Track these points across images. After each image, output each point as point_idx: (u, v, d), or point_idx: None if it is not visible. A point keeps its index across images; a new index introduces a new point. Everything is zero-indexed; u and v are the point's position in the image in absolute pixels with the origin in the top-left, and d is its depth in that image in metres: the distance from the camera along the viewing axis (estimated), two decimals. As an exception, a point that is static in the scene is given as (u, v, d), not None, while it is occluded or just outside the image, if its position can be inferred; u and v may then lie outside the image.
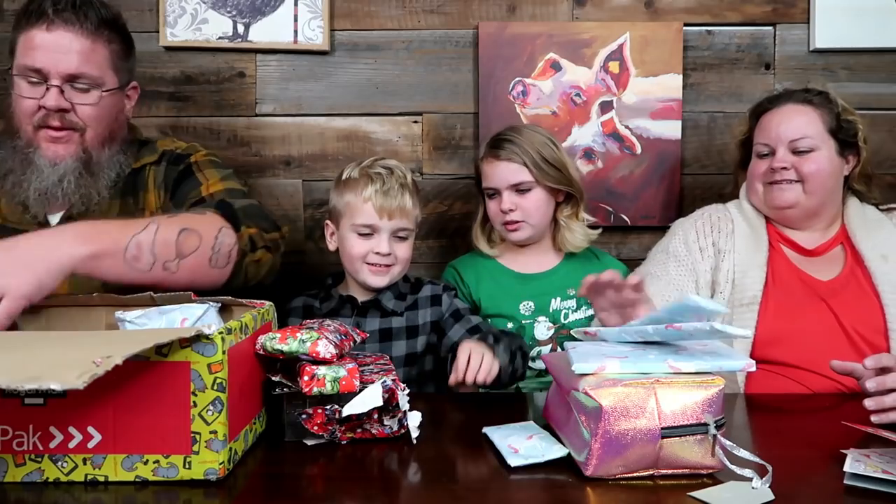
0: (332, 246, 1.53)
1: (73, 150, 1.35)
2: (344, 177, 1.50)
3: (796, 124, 1.50)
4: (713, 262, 1.52)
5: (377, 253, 1.44)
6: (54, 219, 1.41)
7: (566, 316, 1.65)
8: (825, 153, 1.50)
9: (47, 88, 1.32)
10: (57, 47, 1.31)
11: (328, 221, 1.54)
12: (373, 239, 1.45)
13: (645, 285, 1.42)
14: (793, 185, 1.50)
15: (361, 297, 1.50)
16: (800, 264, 1.50)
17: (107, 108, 1.38)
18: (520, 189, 1.63)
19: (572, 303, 1.66)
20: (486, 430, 1.06)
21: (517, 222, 1.64)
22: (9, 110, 1.38)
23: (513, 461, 0.94)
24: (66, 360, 0.75)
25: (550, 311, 1.65)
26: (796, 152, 1.50)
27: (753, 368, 0.94)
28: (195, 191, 1.41)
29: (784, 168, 1.49)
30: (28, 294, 1.01)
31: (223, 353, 0.87)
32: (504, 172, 1.63)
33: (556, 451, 0.95)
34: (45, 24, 1.30)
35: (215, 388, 0.87)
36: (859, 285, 1.45)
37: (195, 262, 1.18)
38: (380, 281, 1.46)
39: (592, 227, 1.73)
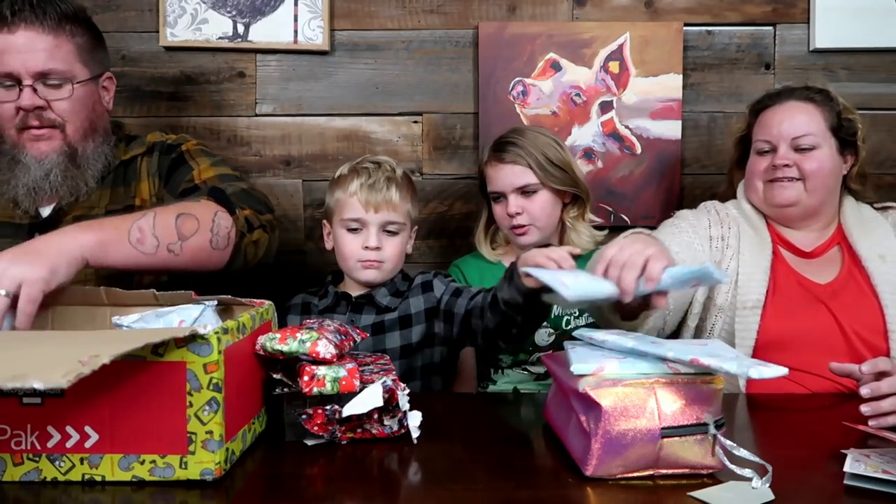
0: (328, 245, 1.53)
1: (57, 146, 1.38)
2: (336, 175, 1.51)
3: (799, 121, 1.49)
4: (720, 255, 1.50)
5: (366, 247, 1.43)
6: (45, 211, 1.42)
7: (567, 323, 1.64)
8: (826, 151, 1.49)
9: (21, 90, 1.33)
10: (22, 48, 1.32)
11: (324, 221, 1.54)
12: (362, 234, 1.45)
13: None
14: (794, 183, 1.49)
15: (356, 292, 1.50)
16: (798, 267, 1.49)
17: (81, 100, 1.40)
18: (525, 192, 1.61)
19: (574, 309, 1.65)
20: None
21: (525, 226, 1.62)
22: None
23: (566, 293, 0.95)
24: (53, 358, 0.75)
25: (552, 317, 1.64)
26: (798, 150, 1.49)
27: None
28: (188, 176, 1.43)
29: (786, 165, 1.48)
30: (43, 277, 1.03)
31: (219, 352, 0.87)
32: (509, 176, 1.62)
33: (607, 287, 0.97)
34: (5, 27, 1.32)
35: (211, 388, 0.87)
36: (858, 286, 1.44)
37: (197, 244, 1.23)
38: (371, 275, 1.45)
39: (598, 228, 1.72)
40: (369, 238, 1.44)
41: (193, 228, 1.22)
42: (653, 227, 1.61)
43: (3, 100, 1.35)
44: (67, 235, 1.11)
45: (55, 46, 1.35)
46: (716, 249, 1.51)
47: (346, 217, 1.45)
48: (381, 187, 1.44)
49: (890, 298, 1.41)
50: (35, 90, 1.34)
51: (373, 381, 1.02)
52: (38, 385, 0.67)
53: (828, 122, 1.50)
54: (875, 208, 1.57)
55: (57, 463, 0.87)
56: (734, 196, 1.63)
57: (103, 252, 1.13)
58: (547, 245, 1.13)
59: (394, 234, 1.46)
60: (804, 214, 1.52)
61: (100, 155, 1.44)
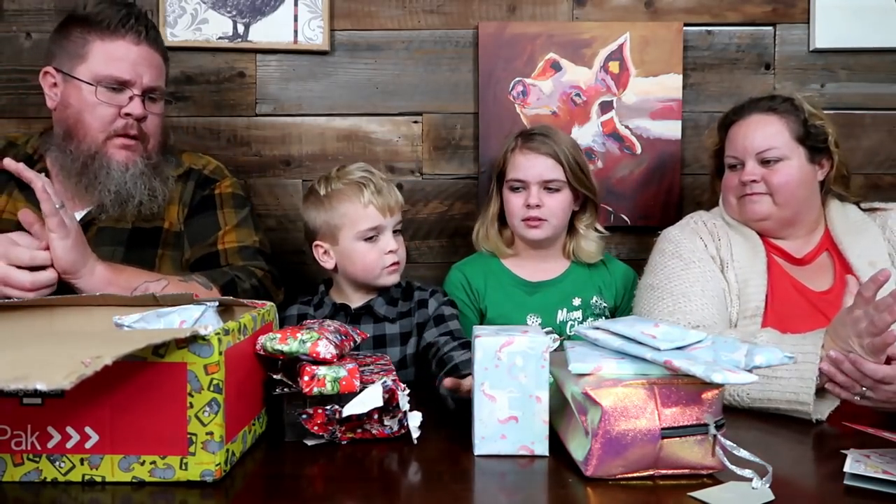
0: (329, 264, 1.50)
1: (138, 156, 1.44)
2: (323, 193, 1.48)
3: (762, 135, 1.48)
4: (721, 273, 1.49)
5: (390, 252, 1.46)
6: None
7: (571, 328, 1.63)
8: (795, 162, 1.48)
9: (130, 98, 1.40)
10: (142, 60, 1.42)
11: (318, 243, 1.50)
12: (379, 241, 1.46)
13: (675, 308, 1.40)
14: (763, 198, 1.48)
15: (355, 303, 1.50)
16: (793, 273, 1.48)
17: (163, 119, 1.51)
18: (549, 187, 1.61)
19: (578, 314, 1.64)
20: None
21: (540, 220, 1.61)
22: (67, 113, 1.42)
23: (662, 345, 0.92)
24: (55, 359, 0.75)
25: (557, 322, 1.63)
26: (765, 163, 1.48)
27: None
28: (212, 237, 1.48)
29: (753, 181, 1.48)
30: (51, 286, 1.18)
31: (220, 354, 0.87)
32: (539, 167, 1.61)
33: (693, 336, 0.95)
34: (135, 40, 1.41)
35: (211, 389, 0.87)
36: None
37: None
38: (396, 278, 1.49)
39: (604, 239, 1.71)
40: (388, 242, 1.46)
41: None
42: (653, 228, 1.61)
43: (107, 101, 1.39)
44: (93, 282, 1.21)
45: (161, 68, 1.48)
46: (718, 268, 1.49)
47: (363, 228, 1.45)
48: (387, 192, 1.47)
49: None
50: (143, 101, 1.42)
51: (373, 382, 1.02)
52: (41, 386, 0.67)
53: (793, 133, 1.48)
54: (862, 209, 1.56)
55: (57, 463, 0.87)
56: (717, 203, 1.62)
57: (102, 289, 1.21)
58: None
59: (399, 232, 1.51)
60: (779, 226, 1.51)
61: (168, 168, 1.50)
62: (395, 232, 1.48)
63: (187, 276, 1.36)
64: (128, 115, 1.40)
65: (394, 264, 1.47)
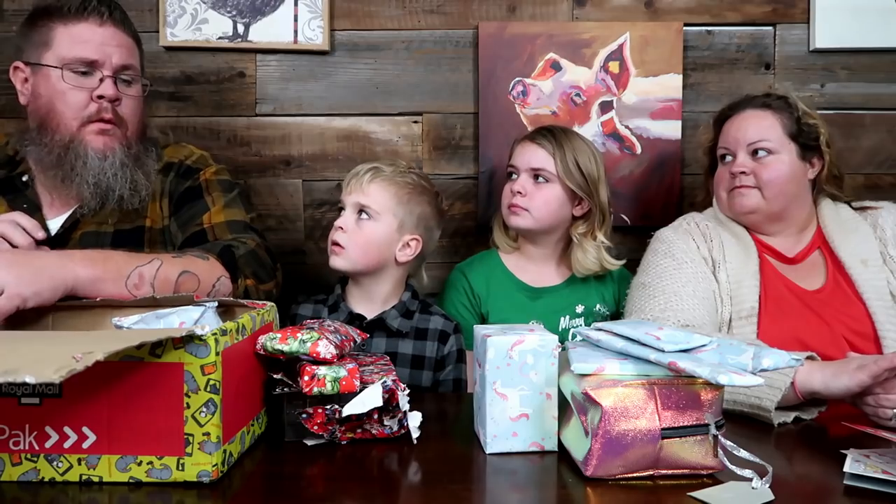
0: None
1: (118, 143, 1.39)
2: None
3: (756, 128, 1.50)
4: (711, 272, 1.49)
5: (338, 228, 1.46)
6: (55, 223, 1.40)
7: (574, 336, 1.62)
8: (785, 157, 1.49)
9: (101, 80, 1.36)
10: (109, 41, 1.38)
11: None
12: (340, 216, 1.49)
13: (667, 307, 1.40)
14: (752, 191, 1.49)
15: (366, 311, 1.50)
16: (785, 273, 1.48)
17: (141, 104, 1.46)
18: (538, 176, 1.61)
19: (580, 321, 1.64)
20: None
21: (521, 208, 1.60)
22: (39, 104, 1.39)
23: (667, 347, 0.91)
24: (46, 355, 0.74)
25: (559, 330, 1.63)
26: (755, 157, 1.49)
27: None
28: (199, 217, 1.43)
29: (743, 173, 1.48)
30: (24, 295, 1.03)
31: (216, 354, 0.87)
32: (530, 155, 1.62)
33: (698, 339, 0.93)
34: (98, 21, 1.37)
35: (208, 389, 0.86)
36: (844, 294, 1.43)
37: None
38: (334, 261, 1.46)
39: (615, 255, 1.67)
40: (341, 219, 1.48)
41: (192, 288, 1.22)
42: (652, 227, 1.61)
43: (77, 85, 1.35)
44: (68, 263, 1.10)
45: (133, 48, 1.44)
46: (710, 268, 1.49)
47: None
48: (361, 174, 1.48)
49: (877, 304, 1.40)
50: (114, 82, 1.38)
51: (373, 382, 1.02)
52: (30, 379, 0.66)
53: (786, 129, 1.50)
54: (853, 208, 1.56)
55: (55, 463, 0.87)
56: (711, 204, 1.62)
57: (95, 288, 1.12)
58: None
59: (366, 218, 1.47)
60: (767, 220, 1.51)
61: (149, 160, 1.46)
62: (363, 216, 1.46)
63: (180, 251, 1.33)
64: (100, 97, 1.36)
65: (335, 244, 1.46)
